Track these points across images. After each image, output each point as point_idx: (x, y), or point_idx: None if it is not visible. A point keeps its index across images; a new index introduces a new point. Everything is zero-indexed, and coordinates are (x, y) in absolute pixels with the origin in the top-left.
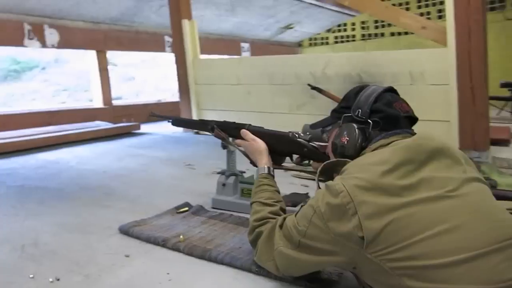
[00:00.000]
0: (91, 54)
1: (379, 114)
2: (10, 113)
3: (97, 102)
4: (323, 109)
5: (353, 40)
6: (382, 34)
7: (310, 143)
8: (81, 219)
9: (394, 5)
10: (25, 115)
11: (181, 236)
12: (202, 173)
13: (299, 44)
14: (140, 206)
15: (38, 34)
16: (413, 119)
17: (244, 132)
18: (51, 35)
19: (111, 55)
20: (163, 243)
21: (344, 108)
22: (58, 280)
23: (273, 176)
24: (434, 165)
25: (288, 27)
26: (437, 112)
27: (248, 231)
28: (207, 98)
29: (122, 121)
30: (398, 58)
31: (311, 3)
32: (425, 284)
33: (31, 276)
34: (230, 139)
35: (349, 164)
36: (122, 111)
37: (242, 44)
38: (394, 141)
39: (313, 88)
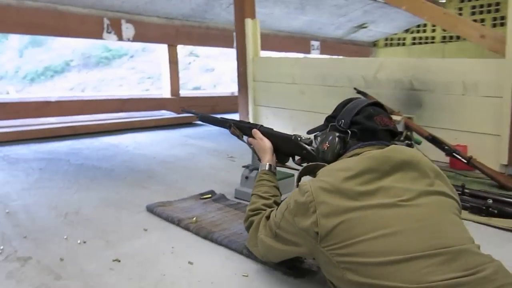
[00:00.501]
0: (163, 48)
1: (358, 125)
2: (87, 99)
3: (166, 93)
4: None
5: (432, 42)
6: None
7: (309, 147)
8: (119, 196)
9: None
10: (100, 101)
11: (194, 218)
12: (239, 165)
13: (374, 44)
14: (173, 190)
15: (116, 28)
16: (394, 133)
17: (254, 131)
18: (127, 30)
19: (193, 47)
20: (177, 222)
21: (332, 117)
22: (84, 242)
23: (274, 173)
24: (398, 176)
25: (362, 26)
26: (487, 125)
27: (244, 219)
28: (263, 94)
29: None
30: (451, 67)
31: (385, 3)
32: (362, 279)
33: (65, 237)
34: (245, 137)
35: (323, 168)
36: (188, 102)
37: (312, 42)
38: (367, 151)
39: (359, 92)
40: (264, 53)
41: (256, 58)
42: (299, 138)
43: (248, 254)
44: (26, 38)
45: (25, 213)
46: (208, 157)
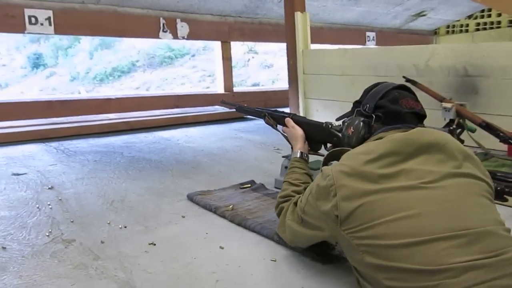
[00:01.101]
0: (217, 45)
1: (382, 109)
2: (144, 96)
3: (220, 88)
4: (425, 102)
5: (498, 27)
6: None
7: (340, 133)
8: (163, 186)
9: None
10: (157, 98)
11: (230, 206)
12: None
13: (435, 32)
14: (216, 180)
15: (171, 27)
16: (421, 115)
17: (287, 120)
18: (182, 28)
19: (253, 43)
20: (214, 210)
21: (359, 102)
22: (125, 227)
23: (305, 160)
24: (423, 158)
25: (420, 14)
26: None
27: (275, 206)
28: (313, 87)
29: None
30: (508, 50)
31: None
32: (380, 261)
33: (108, 222)
34: (279, 127)
35: (346, 153)
36: (241, 97)
37: (368, 34)
38: (391, 134)
39: (408, 80)
40: (319, 47)
41: (306, 51)
42: (330, 126)
43: (279, 240)
44: (96, 40)
45: (75, 200)
46: (255, 150)
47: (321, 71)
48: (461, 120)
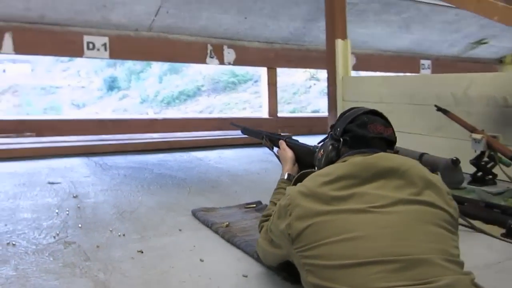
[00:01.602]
0: (263, 70)
1: (350, 133)
2: (189, 118)
3: (264, 113)
4: (460, 132)
5: None
6: None
7: None
8: (176, 201)
9: None
10: (201, 120)
11: (225, 223)
12: None
13: (500, 61)
14: (228, 200)
15: (218, 53)
16: (389, 141)
17: (280, 142)
18: (229, 54)
19: (315, 70)
20: (210, 226)
21: (332, 126)
22: (123, 235)
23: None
24: (380, 183)
25: (481, 42)
26: None
27: (258, 225)
28: None
29: (278, 131)
30: None
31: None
32: (317, 281)
33: (110, 229)
34: (276, 149)
35: (310, 175)
36: (285, 122)
37: (422, 61)
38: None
39: (439, 109)
40: (368, 74)
41: (346, 78)
42: (317, 149)
43: (258, 257)
44: (166, 65)
45: (91, 209)
46: (279, 174)
47: (359, 98)
48: (492, 153)
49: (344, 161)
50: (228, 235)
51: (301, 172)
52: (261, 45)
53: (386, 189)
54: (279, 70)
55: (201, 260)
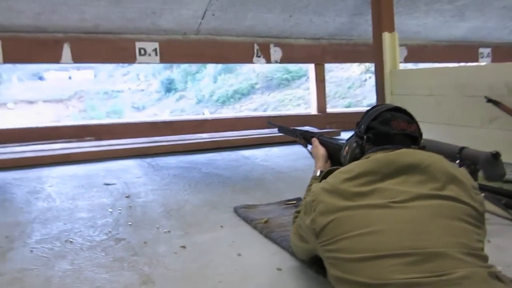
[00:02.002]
0: (311, 67)
1: (373, 130)
2: (238, 117)
3: (313, 109)
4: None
5: None
6: None
7: None
8: (219, 199)
9: None
10: (250, 118)
11: (264, 219)
12: None
13: None
14: (270, 197)
15: (264, 52)
16: (413, 137)
17: (313, 140)
18: (275, 53)
19: (371, 64)
20: (250, 222)
21: (357, 124)
22: (169, 232)
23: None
24: (401, 178)
25: None
26: None
27: (292, 220)
28: None
29: (326, 127)
30: None
31: None
32: (338, 273)
33: (157, 227)
34: (310, 146)
35: (334, 172)
36: (334, 118)
37: (481, 50)
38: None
39: (489, 100)
40: (422, 66)
41: (394, 71)
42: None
43: (292, 252)
44: (220, 65)
45: (141, 208)
46: None
47: (408, 92)
48: None
49: (367, 158)
50: (266, 231)
51: (328, 169)
52: (308, 41)
53: (407, 184)
54: (333, 65)
55: (239, 255)
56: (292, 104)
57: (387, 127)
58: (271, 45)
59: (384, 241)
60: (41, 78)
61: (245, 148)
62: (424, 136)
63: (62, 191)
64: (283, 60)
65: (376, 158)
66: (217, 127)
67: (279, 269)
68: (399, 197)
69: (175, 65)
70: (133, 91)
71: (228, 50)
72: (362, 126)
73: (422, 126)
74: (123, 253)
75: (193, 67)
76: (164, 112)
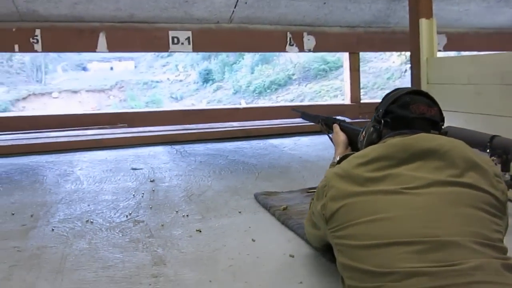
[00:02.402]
0: (345, 56)
1: (391, 114)
2: (270, 106)
3: (346, 99)
4: None
5: None
6: None
7: None
8: (242, 186)
9: None
10: (281, 108)
11: (283, 206)
12: None
13: None
14: (293, 185)
15: (297, 41)
16: (434, 121)
17: (334, 126)
18: (309, 41)
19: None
20: (268, 208)
21: (376, 108)
22: (187, 216)
23: None
24: (417, 164)
25: None
26: None
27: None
28: (437, 98)
29: (359, 117)
30: None
31: None
32: (346, 260)
33: (176, 211)
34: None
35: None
36: (367, 108)
37: None
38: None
39: None
40: (463, 54)
41: (430, 59)
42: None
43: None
44: (257, 56)
45: (164, 192)
46: None
47: (446, 81)
48: None
49: (384, 143)
50: (283, 217)
51: (344, 154)
52: (342, 29)
53: (422, 170)
54: (372, 56)
55: (253, 240)
56: (329, 95)
57: (406, 111)
58: (305, 34)
59: (394, 228)
60: (84, 69)
61: (274, 137)
62: (462, 126)
63: (91, 175)
64: (316, 49)
65: (392, 142)
66: (248, 116)
67: (291, 256)
68: (413, 183)
69: (213, 56)
70: (172, 81)
71: (261, 38)
72: (380, 110)
73: (460, 116)
74: (139, 234)
75: (231, 58)
76: (201, 103)
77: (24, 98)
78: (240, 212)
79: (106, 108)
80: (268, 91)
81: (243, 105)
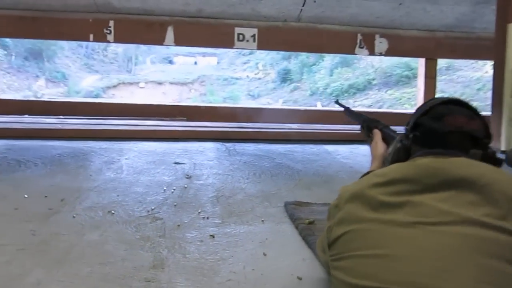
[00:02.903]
0: (420, 62)
1: (421, 128)
2: (331, 110)
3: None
4: None
5: None
6: None
7: None
8: (277, 192)
9: None
10: (338, 112)
11: (309, 220)
12: None
13: None
14: (333, 196)
15: (368, 43)
16: (474, 137)
17: (374, 132)
18: (381, 44)
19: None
20: (294, 220)
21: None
22: (207, 218)
23: None
24: (448, 194)
25: None
26: None
27: None
28: None
29: None
30: None
31: None
32: None
33: (199, 211)
34: None
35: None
36: None
37: None
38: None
39: None
40: None
41: None
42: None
43: None
44: (337, 58)
45: (195, 190)
46: None
47: None
48: None
49: (411, 162)
50: (305, 233)
51: (366, 172)
52: (420, 33)
53: (452, 202)
54: (462, 64)
55: (264, 254)
56: (410, 103)
57: (439, 123)
58: (377, 36)
59: (394, 269)
60: (170, 62)
61: (331, 142)
62: None
63: (133, 165)
64: (388, 53)
65: (421, 163)
66: (308, 119)
67: (299, 278)
68: (435, 218)
69: (293, 56)
70: (251, 79)
71: (328, 39)
72: (410, 123)
73: None
74: (152, 232)
75: (311, 58)
76: (277, 102)
77: (114, 86)
78: (262, 221)
79: (187, 101)
80: (346, 95)
81: (319, 107)
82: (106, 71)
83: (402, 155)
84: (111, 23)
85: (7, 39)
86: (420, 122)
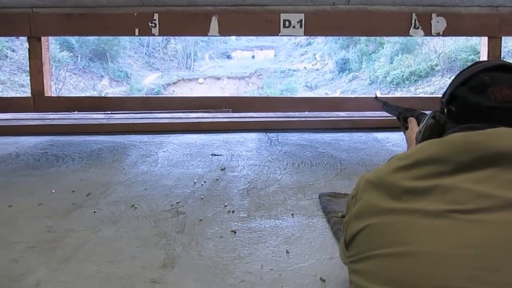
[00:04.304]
0: (483, 41)
1: (457, 101)
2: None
3: None
4: None
5: None
6: None
7: None
8: (314, 182)
9: None
10: (391, 99)
11: (342, 213)
12: None
13: None
14: None
15: (424, 23)
16: None
17: (409, 119)
18: (438, 23)
19: None
20: (326, 213)
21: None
22: (233, 212)
23: None
24: (485, 173)
25: None
26: None
27: None
28: None
29: None
30: None
31: None
32: None
33: (225, 204)
34: None
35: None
36: None
37: None
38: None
39: None
40: None
41: None
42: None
43: None
44: (398, 45)
45: (226, 182)
46: None
47: None
48: None
49: (440, 139)
50: (336, 227)
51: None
52: (482, 10)
53: (492, 183)
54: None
55: (287, 252)
56: None
57: (480, 96)
58: (433, 15)
59: (424, 271)
60: (228, 57)
61: (381, 130)
62: None
63: (170, 157)
64: (447, 33)
65: (451, 138)
66: (357, 107)
67: (322, 280)
68: (471, 204)
69: (351, 45)
70: (308, 70)
71: (380, 21)
72: (446, 94)
73: None
74: (170, 228)
75: (370, 46)
76: (335, 93)
77: (174, 83)
78: (292, 215)
79: (244, 94)
80: (407, 82)
81: (378, 95)
82: (166, 69)
83: (436, 132)
84: (156, 16)
85: (73, 41)
86: (457, 93)
